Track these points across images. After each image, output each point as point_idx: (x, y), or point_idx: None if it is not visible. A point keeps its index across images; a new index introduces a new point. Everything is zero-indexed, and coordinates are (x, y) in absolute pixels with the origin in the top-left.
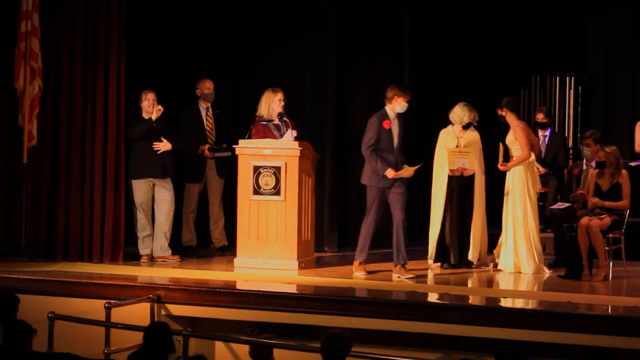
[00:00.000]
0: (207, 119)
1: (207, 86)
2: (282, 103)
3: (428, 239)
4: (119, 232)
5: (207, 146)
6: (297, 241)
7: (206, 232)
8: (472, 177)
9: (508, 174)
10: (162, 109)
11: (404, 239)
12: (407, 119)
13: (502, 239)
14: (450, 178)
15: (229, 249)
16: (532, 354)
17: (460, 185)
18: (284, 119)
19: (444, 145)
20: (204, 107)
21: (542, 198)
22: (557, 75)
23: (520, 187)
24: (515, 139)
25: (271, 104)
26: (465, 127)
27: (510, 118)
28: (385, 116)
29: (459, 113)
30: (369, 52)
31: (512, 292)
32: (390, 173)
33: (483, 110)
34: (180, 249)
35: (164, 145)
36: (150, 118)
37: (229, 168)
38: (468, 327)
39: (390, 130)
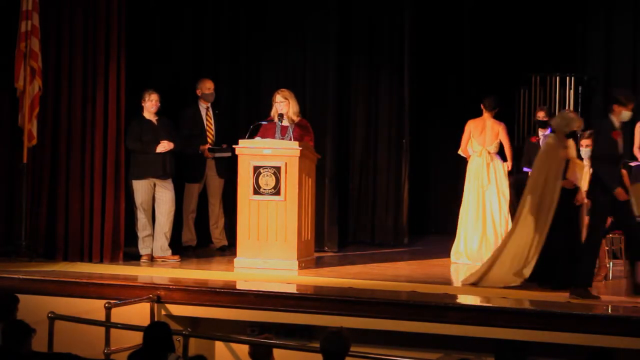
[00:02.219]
0: (207, 119)
1: (207, 86)
2: (284, 104)
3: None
4: (119, 232)
5: (207, 146)
6: (297, 241)
7: (206, 232)
8: None
9: None
10: (172, 146)
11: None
12: (407, 119)
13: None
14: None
15: (229, 249)
16: (532, 354)
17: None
18: (284, 119)
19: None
20: (204, 107)
21: None
22: (557, 75)
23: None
24: None
25: (275, 105)
26: (570, 136)
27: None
28: (613, 127)
29: (560, 122)
30: (369, 52)
31: (512, 292)
32: (621, 195)
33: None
34: (180, 249)
35: (167, 145)
36: (153, 148)
37: (228, 168)
38: (468, 327)
39: (617, 142)
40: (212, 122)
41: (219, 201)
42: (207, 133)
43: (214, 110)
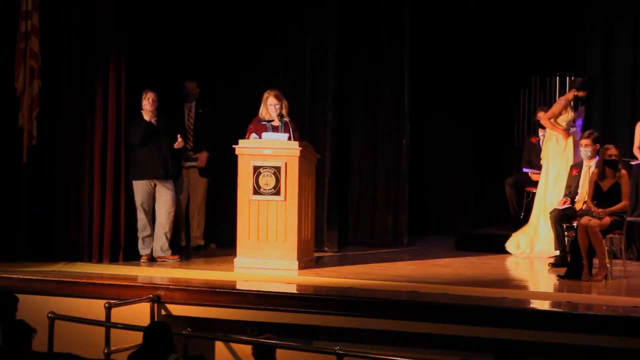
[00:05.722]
0: (188, 119)
1: (188, 88)
2: (278, 106)
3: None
4: (119, 232)
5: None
6: (297, 241)
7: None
8: None
9: None
10: (181, 145)
11: None
12: (407, 119)
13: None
14: None
15: (204, 249)
16: (532, 354)
17: None
18: (284, 119)
19: None
20: (187, 107)
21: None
22: (557, 75)
23: None
24: None
25: (266, 106)
26: None
27: None
28: None
29: None
30: (369, 52)
31: (513, 292)
32: None
33: (483, 110)
34: (180, 248)
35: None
36: (145, 120)
37: (208, 168)
38: (468, 327)
39: None
40: (193, 122)
41: (201, 200)
42: (187, 132)
43: (197, 109)
